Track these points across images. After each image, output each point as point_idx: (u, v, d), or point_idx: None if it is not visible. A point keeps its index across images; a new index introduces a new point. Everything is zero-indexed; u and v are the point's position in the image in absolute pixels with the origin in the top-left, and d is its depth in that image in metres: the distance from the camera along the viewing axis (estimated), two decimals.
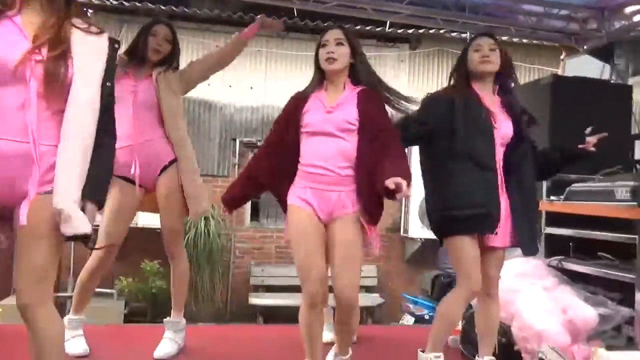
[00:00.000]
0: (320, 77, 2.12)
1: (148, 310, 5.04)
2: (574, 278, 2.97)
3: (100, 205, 1.58)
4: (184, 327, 2.77)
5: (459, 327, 3.15)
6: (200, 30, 5.37)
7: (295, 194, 2.06)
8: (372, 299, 5.40)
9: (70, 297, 4.62)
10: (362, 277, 4.79)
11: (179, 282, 2.72)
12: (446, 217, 2.28)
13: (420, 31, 5.25)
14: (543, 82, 3.53)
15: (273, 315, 5.39)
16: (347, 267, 2.00)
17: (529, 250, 2.35)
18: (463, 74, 2.35)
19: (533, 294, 2.77)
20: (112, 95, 1.59)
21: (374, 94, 2.10)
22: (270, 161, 2.13)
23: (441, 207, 2.29)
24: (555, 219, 3.22)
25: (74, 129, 1.46)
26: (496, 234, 2.24)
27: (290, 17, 4.73)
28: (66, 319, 2.63)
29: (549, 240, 3.24)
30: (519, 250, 3.16)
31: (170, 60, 2.67)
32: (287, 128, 2.10)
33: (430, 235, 4.77)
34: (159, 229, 2.71)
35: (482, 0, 3.82)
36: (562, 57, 4.38)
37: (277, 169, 2.10)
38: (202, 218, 5.14)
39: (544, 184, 3.29)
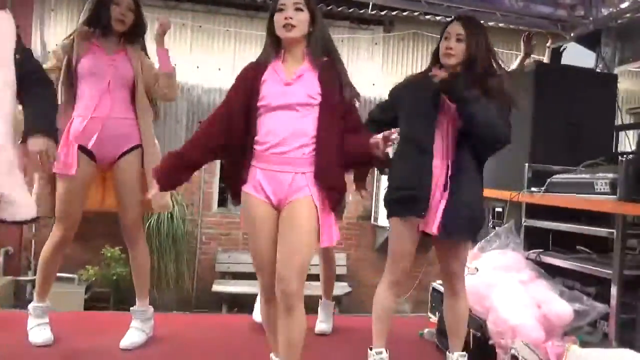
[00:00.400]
0: (276, 46, 1.91)
1: (111, 296, 4.95)
2: (553, 272, 2.92)
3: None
4: (152, 315, 2.71)
5: (435, 319, 3.12)
6: (167, 8, 5.18)
7: (249, 179, 1.89)
8: (340, 288, 5.27)
9: (31, 280, 4.55)
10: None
11: (141, 269, 2.65)
12: (385, 200, 2.36)
13: (394, 13, 5.11)
14: (527, 70, 3.43)
15: (239, 302, 5.29)
16: (292, 257, 1.81)
17: (452, 236, 2.25)
18: (432, 59, 2.33)
19: (509, 288, 2.71)
20: (25, 62, 1.66)
21: (336, 67, 1.93)
22: (219, 138, 1.88)
23: (386, 190, 2.37)
24: (535, 211, 3.15)
25: None
26: (423, 216, 2.21)
27: None
28: (30, 306, 2.57)
29: (528, 233, 3.18)
30: (497, 243, 3.15)
31: (135, 32, 2.57)
32: (241, 101, 1.87)
33: None
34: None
35: None
36: (548, 44, 4.27)
37: (229, 147, 1.89)
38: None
39: (525, 175, 3.22)
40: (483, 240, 3.18)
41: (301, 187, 1.84)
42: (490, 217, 3.61)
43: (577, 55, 4.01)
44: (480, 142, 2.22)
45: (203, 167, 2.05)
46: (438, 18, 5.07)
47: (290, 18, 1.82)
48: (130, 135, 2.52)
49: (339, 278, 5.42)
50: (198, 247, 5.46)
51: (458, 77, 2.17)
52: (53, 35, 4.98)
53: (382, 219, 4.66)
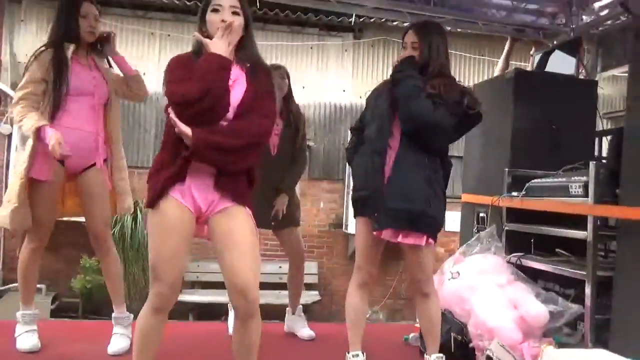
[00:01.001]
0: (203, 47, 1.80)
1: (80, 306, 4.90)
2: (535, 275, 2.96)
3: None
4: (131, 321, 2.75)
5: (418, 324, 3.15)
6: (136, 17, 5.18)
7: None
8: (310, 296, 5.17)
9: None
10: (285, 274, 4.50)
11: (114, 276, 2.71)
12: (351, 198, 2.48)
13: (362, 20, 5.17)
14: (507, 77, 3.49)
15: (206, 312, 5.18)
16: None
17: (377, 225, 2.26)
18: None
19: (487, 291, 2.75)
20: None
21: (264, 72, 1.90)
22: None
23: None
24: (517, 215, 3.20)
25: None
26: (376, 221, 2.25)
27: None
28: (18, 314, 2.63)
29: (509, 237, 3.22)
30: (478, 247, 3.19)
31: (101, 42, 2.65)
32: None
33: None
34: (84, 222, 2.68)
35: None
36: (531, 52, 4.35)
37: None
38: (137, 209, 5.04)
39: (505, 180, 3.27)
40: (465, 245, 3.23)
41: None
42: (475, 222, 3.65)
43: (559, 62, 4.08)
44: (400, 119, 2.24)
45: None
46: (406, 24, 5.13)
47: (228, 22, 1.77)
48: (101, 148, 2.60)
49: (310, 287, 5.35)
50: None
51: (404, 60, 2.26)
52: (23, 45, 5.03)
53: (352, 227, 4.67)
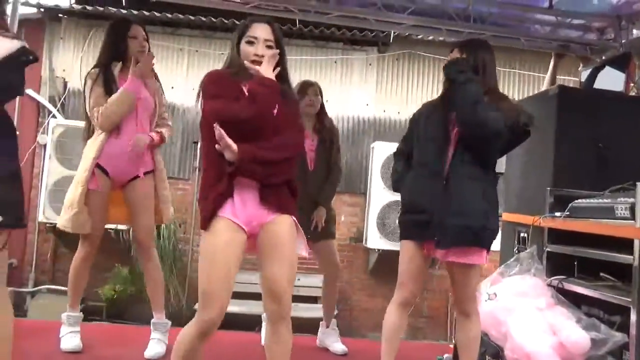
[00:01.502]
0: (244, 69, 1.91)
1: (104, 310, 4.98)
2: (578, 300, 2.83)
3: None
4: (169, 328, 2.84)
5: (453, 345, 3.08)
6: (165, 33, 5.32)
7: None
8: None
9: (30, 292, 4.79)
10: (320, 287, 4.47)
11: (156, 283, 2.82)
12: (398, 221, 2.43)
13: (383, 34, 5.13)
14: (550, 93, 3.40)
15: (225, 320, 5.16)
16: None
17: (438, 245, 2.24)
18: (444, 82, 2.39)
19: (526, 314, 2.65)
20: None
21: (292, 92, 2.07)
22: None
23: (400, 213, 2.43)
24: (559, 236, 3.08)
25: None
26: (432, 240, 2.21)
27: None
28: (64, 315, 2.79)
29: (551, 259, 3.09)
30: (517, 268, 3.09)
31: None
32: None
33: (388, 246, 4.64)
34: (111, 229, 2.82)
35: (489, 9, 3.72)
36: (580, 68, 4.21)
37: None
38: None
39: (547, 200, 3.16)
40: (504, 265, 3.13)
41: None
42: (515, 242, 3.54)
43: (608, 78, 3.92)
44: (462, 126, 2.19)
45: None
46: (431, 37, 5.08)
47: (262, 56, 1.90)
48: (147, 160, 2.74)
49: (318, 300, 5.18)
50: (189, 265, 5.42)
51: (458, 60, 2.22)
52: (61, 61, 5.33)
53: (372, 241, 4.57)
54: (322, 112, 3.18)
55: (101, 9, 4.94)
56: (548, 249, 3.10)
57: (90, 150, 2.66)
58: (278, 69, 1.91)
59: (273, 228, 1.90)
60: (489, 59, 2.29)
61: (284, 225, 1.92)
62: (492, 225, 2.24)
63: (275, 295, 1.87)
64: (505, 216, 3.75)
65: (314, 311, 4.58)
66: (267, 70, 1.87)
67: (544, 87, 3.94)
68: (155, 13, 4.91)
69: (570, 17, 3.79)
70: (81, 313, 2.87)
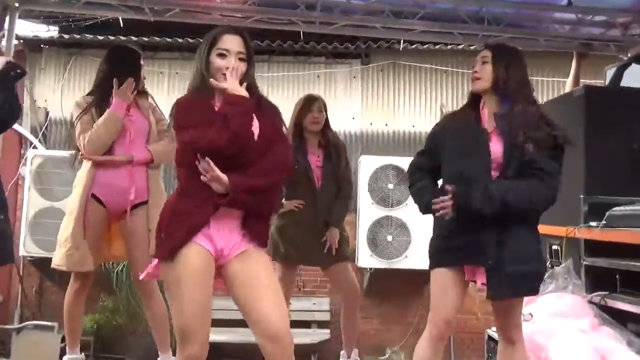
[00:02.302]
0: (208, 89, 1.78)
1: (92, 344, 4.67)
2: (622, 318, 2.55)
3: None
4: None
5: None
6: (146, 57, 5.25)
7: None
8: (319, 335, 4.67)
9: (16, 329, 4.66)
10: (313, 311, 4.10)
11: (159, 319, 2.62)
12: (432, 248, 2.15)
13: (365, 45, 4.99)
14: (575, 94, 3.17)
15: (217, 350, 4.87)
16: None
17: (495, 293, 2.00)
18: (470, 93, 2.18)
19: (567, 337, 2.40)
20: None
21: (266, 101, 1.88)
22: None
23: (432, 238, 2.17)
24: (597, 248, 2.81)
25: None
26: (490, 264, 1.95)
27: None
28: (65, 358, 2.59)
29: (589, 273, 2.83)
30: (553, 285, 2.83)
31: (142, 84, 2.72)
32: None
33: (380, 264, 4.38)
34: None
35: (504, 10, 3.53)
36: (607, 67, 3.97)
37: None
38: None
39: (581, 208, 2.91)
40: None
41: None
42: (548, 255, 3.27)
43: (636, 76, 3.68)
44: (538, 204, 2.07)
45: None
46: (413, 46, 4.99)
47: (233, 70, 1.75)
48: (142, 189, 2.55)
49: (321, 324, 4.89)
50: None
51: (466, 192, 1.98)
52: (42, 91, 5.31)
53: (363, 260, 4.24)
54: (326, 127, 3.01)
55: (78, 37, 4.96)
56: (586, 263, 2.84)
57: (81, 179, 2.50)
58: (245, 83, 1.77)
59: (251, 266, 1.75)
60: (521, 67, 2.09)
61: (262, 259, 1.78)
62: (545, 268, 2.20)
63: (273, 337, 1.69)
64: None
65: (307, 337, 4.34)
66: (233, 86, 1.71)
67: (567, 89, 3.71)
68: (132, 37, 4.88)
69: (592, 14, 3.57)
70: (82, 355, 2.68)
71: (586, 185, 2.96)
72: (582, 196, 2.92)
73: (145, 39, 4.93)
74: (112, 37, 4.88)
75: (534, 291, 2.11)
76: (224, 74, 1.74)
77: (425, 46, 4.96)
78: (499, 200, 1.93)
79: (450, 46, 4.91)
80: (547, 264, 3.23)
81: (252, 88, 1.81)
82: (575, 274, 2.79)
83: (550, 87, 5.13)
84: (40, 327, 4.27)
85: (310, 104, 2.95)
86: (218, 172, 1.65)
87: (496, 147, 2.02)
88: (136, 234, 2.53)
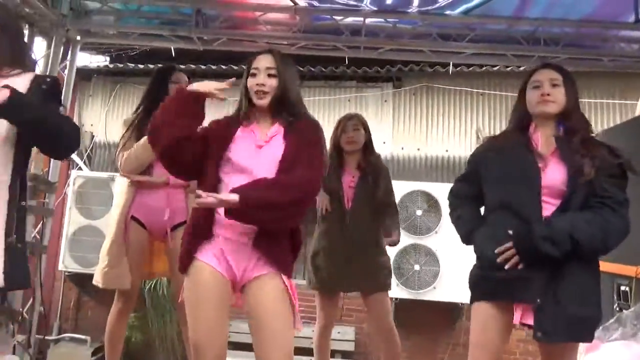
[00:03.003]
0: (246, 109, 1.81)
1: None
2: None
3: None
4: None
5: None
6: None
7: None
8: None
9: (54, 340, 4.76)
10: (338, 340, 3.78)
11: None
12: (472, 279, 1.96)
13: (397, 68, 4.85)
14: None
15: None
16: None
17: (544, 335, 1.75)
18: (518, 115, 1.99)
19: None
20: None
21: (308, 124, 1.80)
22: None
23: (473, 269, 1.97)
24: None
25: None
26: (538, 302, 1.73)
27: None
28: None
29: None
30: (620, 331, 2.52)
31: None
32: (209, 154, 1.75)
33: (406, 294, 4.07)
34: None
35: (563, 29, 3.31)
36: None
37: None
38: None
39: None
40: (601, 328, 2.56)
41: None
42: (615, 297, 2.94)
43: None
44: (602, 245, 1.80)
45: None
46: (444, 70, 4.78)
47: (262, 85, 1.76)
48: (180, 210, 2.55)
49: (346, 355, 4.67)
50: None
51: (529, 234, 1.77)
52: (90, 116, 5.69)
53: (393, 290, 4.03)
54: (367, 148, 2.88)
55: (121, 65, 5.34)
56: None
57: (120, 199, 2.54)
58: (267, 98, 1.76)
59: (260, 293, 1.67)
60: (578, 95, 1.92)
61: (273, 290, 1.67)
62: (601, 312, 1.84)
63: None
64: (600, 266, 3.17)
65: None
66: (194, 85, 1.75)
67: (637, 112, 3.39)
68: (140, 65, 5.10)
69: None
70: None
71: None
72: None
73: (192, 66, 5.13)
74: (150, 66, 5.10)
75: (589, 338, 1.83)
76: (256, 92, 1.75)
77: (458, 68, 4.81)
78: (569, 239, 1.71)
79: (485, 67, 4.75)
80: (615, 306, 2.92)
81: (285, 105, 1.77)
82: None
83: (618, 109, 4.76)
84: (74, 340, 4.44)
85: (345, 124, 2.87)
86: (218, 196, 1.60)
87: (555, 175, 1.82)
88: (175, 254, 2.53)
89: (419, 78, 5.09)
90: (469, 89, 4.98)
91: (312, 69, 4.99)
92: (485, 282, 1.89)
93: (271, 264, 1.68)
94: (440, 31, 3.34)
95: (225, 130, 1.77)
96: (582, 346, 2.49)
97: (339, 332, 4.56)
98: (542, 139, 1.90)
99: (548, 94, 1.87)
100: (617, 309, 2.87)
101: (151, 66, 5.17)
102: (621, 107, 4.67)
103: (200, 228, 1.70)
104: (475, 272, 1.97)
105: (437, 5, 3.18)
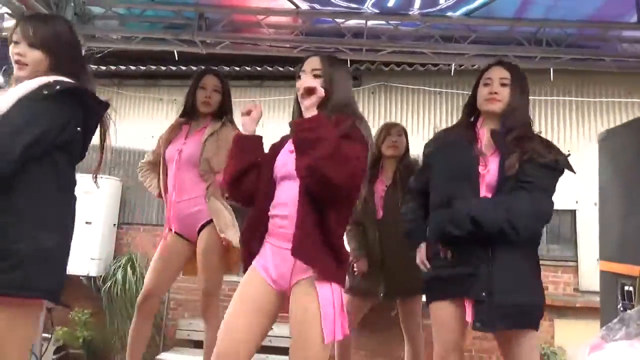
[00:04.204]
0: (296, 113, 1.83)
1: (84, 358, 4.95)
2: None
3: None
4: None
5: None
6: (147, 85, 5.62)
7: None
8: None
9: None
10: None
11: (212, 344, 2.56)
12: (425, 280, 2.02)
13: (362, 67, 4.85)
14: None
15: None
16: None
17: (483, 327, 1.80)
18: (467, 110, 2.06)
19: None
20: None
21: (347, 119, 1.77)
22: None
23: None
24: None
25: None
26: (482, 296, 1.77)
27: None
28: None
29: None
30: (623, 331, 2.51)
31: (221, 111, 2.63)
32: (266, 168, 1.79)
33: None
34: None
35: (565, 30, 3.31)
36: None
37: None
38: (128, 265, 5.11)
39: None
40: (605, 327, 2.56)
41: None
42: (619, 297, 2.93)
43: None
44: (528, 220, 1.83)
45: None
46: (399, 68, 4.85)
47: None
48: (204, 211, 2.54)
49: None
50: (166, 313, 5.16)
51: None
52: None
53: None
54: (405, 156, 2.90)
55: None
56: None
57: None
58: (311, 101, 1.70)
59: (295, 299, 1.63)
60: (528, 95, 1.97)
61: (306, 298, 1.60)
62: (541, 300, 1.88)
63: None
64: (604, 265, 3.16)
65: None
66: (247, 125, 1.85)
67: None
68: (141, 67, 5.20)
69: None
70: None
71: None
72: None
73: (153, 67, 5.31)
74: (113, 68, 5.30)
75: (529, 324, 1.86)
76: (302, 94, 1.70)
77: (412, 68, 4.84)
78: (468, 219, 1.76)
79: (438, 66, 4.78)
80: (619, 306, 2.91)
81: (332, 103, 1.75)
82: None
83: (619, 108, 4.76)
84: None
85: (389, 129, 2.90)
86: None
87: (492, 170, 1.86)
88: (201, 252, 2.53)
89: (377, 77, 5.10)
90: (427, 88, 5.01)
91: (269, 68, 4.97)
92: (437, 282, 1.95)
93: (313, 264, 1.62)
94: (442, 33, 3.35)
95: (273, 149, 1.82)
96: (587, 345, 2.50)
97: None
98: (487, 135, 1.95)
99: (496, 93, 1.93)
100: (622, 309, 2.86)
101: (113, 68, 5.26)
102: (627, 105, 4.67)
103: (255, 233, 1.74)
104: (427, 272, 2.03)
105: (439, 7, 3.19)
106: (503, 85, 1.93)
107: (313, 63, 1.81)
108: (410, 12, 3.27)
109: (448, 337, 1.90)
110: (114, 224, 5.48)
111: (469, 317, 1.84)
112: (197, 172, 2.55)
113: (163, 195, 2.64)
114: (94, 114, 1.71)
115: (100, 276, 5.10)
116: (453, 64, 3.74)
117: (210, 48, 3.55)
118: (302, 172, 1.54)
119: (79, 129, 1.63)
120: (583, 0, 3.05)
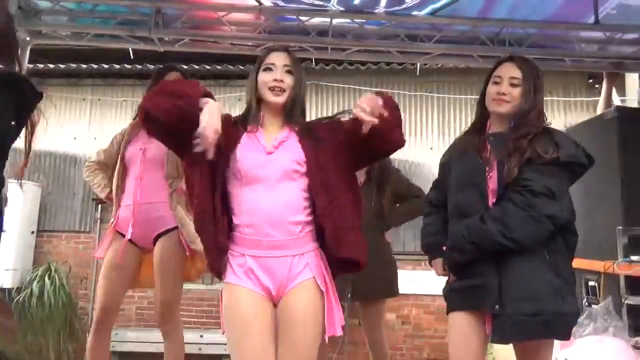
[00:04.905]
0: (256, 109, 1.69)
1: None
2: None
3: None
4: None
5: None
6: (69, 85, 5.34)
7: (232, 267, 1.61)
8: None
9: None
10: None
11: (175, 359, 2.42)
12: (444, 290, 1.94)
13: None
14: (606, 117, 2.95)
15: None
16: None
17: (499, 337, 1.74)
18: (478, 111, 1.97)
19: None
20: None
21: (318, 125, 1.75)
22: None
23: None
24: (638, 284, 2.55)
25: None
26: (496, 309, 1.71)
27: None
28: None
29: (632, 313, 2.56)
30: (591, 326, 2.56)
31: None
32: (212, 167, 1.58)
33: None
34: None
35: (526, 30, 3.35)
36: (637, 88, 3.74)
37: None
38: (46, 275, 4.81)
39: (619, 241, 2.64)
40: None
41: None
42: (584, 293, 2.99)
43: None
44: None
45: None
46: (328, 67, 4.89)
47: (281, 81, 1.65)
48: (165, 218, 2.41)
49: None
50: (83, 324, 4.86)
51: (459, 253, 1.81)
52: None
53: None
54: None
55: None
56: (628, 302, 2.57)
57: None
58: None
59: (294, 298, 1.56)
60: (542, 91, 1.88)
61: (303, 296, 1.55)
62: (570, 307, 1.74)
63: None
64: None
65: None
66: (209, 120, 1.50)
67: (598, 111, 3.47)
68: (60, 65, 4.92)
69: (621, 32, 3.36)
70: None
71: (624, 215, 2.71)
72: (620, 227, 2.67)
73: (73, 65, 5.07)
74: (40, 66, 4.90)
75: (544, 334, 1.74)
76: (273, 87, 1.64)
77: (341, 66, 4.84)
78: (466, 242, 1.75)
79: (367, 65, 4.81)
80: (584, 301, 2.97)
81: (297, 109, 1.69)
82: (616, 314, 2.52)
83: (560, 107, 4.92)
84: None
85: None
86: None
87: (495, 175, 1.80)
88: (158, 261, 2.39)
89: (307, 76, 5.09)
90: (356, 87, 5.01)
91: (198, 67, 4.89)
92: (454, 293, 1.88)
93: (310, 269, 1.58)
94: (408, 32, 3.32)
95: (234, 129, 1.64)
96: (557, 342, 2.52)
97: None
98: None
99: (504, 93, 1.82)
100: (586, 304, 2.92)
101: (30, 66, 4.97)
102: (589, 104, 4.81)
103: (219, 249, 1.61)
104: (447, 283, 1.95)
105: (405, 5, 3.15)
106: (513, 85, 1.82)
107: (283, 58, 1.70)
108: (376, 11, 3.23)
109: (463, 349, 1.82)
110: (32, 232, 5.10)
111: (488, 330, 1.78)
112: (163, 175, 2.43)
113: (115, 197, 2.48)
114: (28, 105, 1.54)
115: (15, 288, 4.75)
116: (418, 63, 3.72)
117: (168, 46, 3.39)
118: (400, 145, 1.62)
119: (13, 123, 1.47)
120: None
